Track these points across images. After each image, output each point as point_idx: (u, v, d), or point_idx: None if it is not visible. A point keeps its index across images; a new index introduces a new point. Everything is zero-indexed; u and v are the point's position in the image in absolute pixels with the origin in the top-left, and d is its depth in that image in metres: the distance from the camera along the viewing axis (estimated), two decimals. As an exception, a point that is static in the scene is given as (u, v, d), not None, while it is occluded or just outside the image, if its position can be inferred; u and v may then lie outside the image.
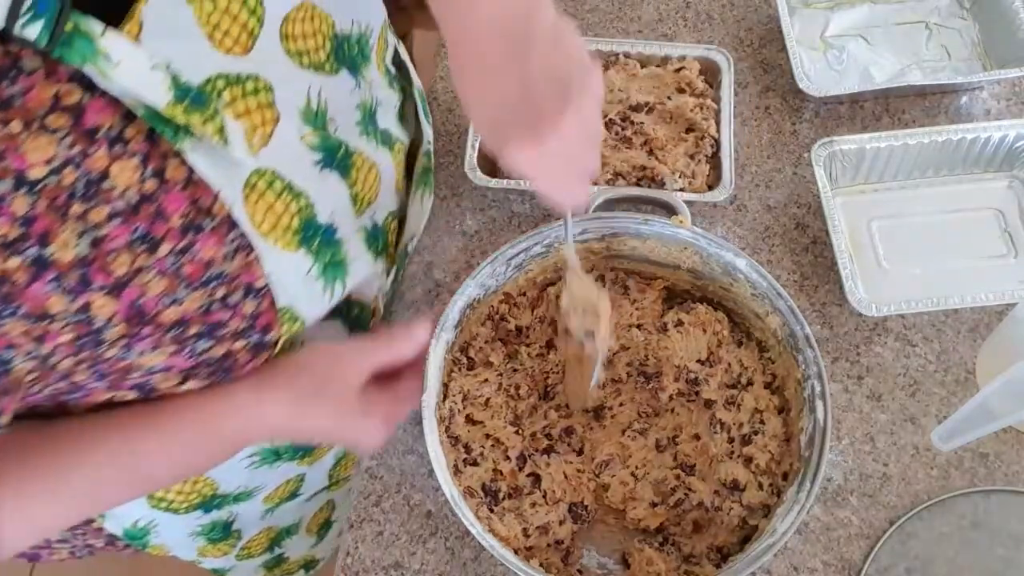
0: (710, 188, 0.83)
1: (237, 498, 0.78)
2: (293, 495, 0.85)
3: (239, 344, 0.57)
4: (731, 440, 0.71)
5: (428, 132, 0.82)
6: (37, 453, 0.56)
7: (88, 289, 0.47)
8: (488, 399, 0.74)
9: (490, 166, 0.86)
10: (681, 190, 0.82)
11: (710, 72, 0.89)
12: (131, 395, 0.57)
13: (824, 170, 0.82)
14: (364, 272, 0.68)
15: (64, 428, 0.57)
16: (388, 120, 0.73)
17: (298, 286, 0.60)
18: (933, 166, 0.85)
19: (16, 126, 0.43)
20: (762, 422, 0.71)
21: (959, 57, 0.93)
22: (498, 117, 0.54)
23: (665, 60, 0.90)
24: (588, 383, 0.72)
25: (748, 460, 0.70)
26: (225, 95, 0.52)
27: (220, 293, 0.54)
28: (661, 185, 0.83)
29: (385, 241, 0.74)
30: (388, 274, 0.76)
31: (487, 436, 0.73)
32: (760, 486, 0.69)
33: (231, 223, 0.53)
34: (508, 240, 0.73)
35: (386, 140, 0.71)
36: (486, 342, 0.75)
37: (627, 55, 0.89)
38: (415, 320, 0.67)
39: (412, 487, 0.76)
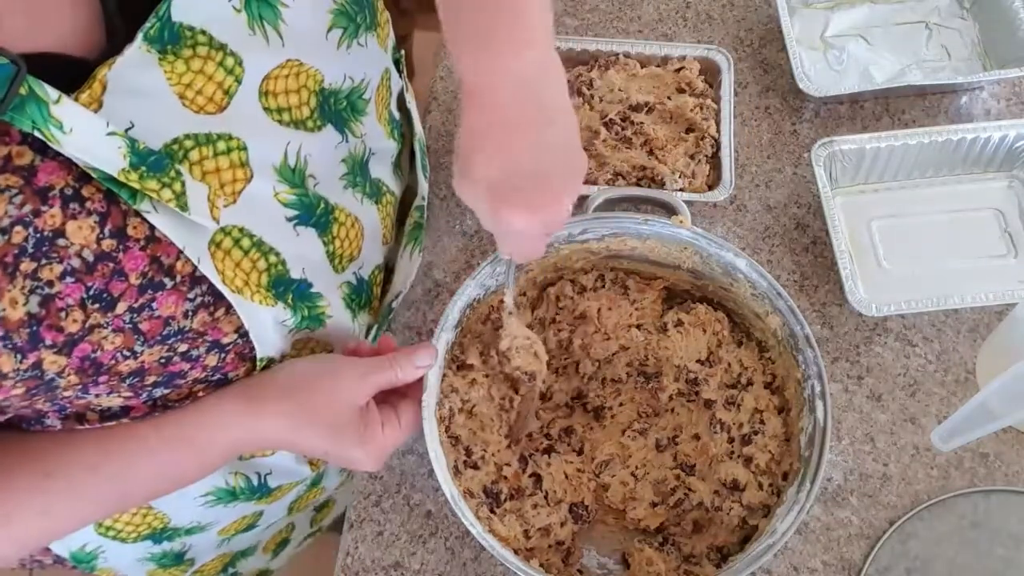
0: (710, 188, 0.83)
1: (190, 531, 0.77)
2: (250, 527, 0.83)
3: (199, 388, 0.57)
4: (731, 440, 0.71)
5: (424, 187, 0.81)
6: (18, 467, 0.55)
7: (38, 347, 0.47)
8: (487, 401, 0.74)
9: None
10: (681, 190, 0.82)
11: (710, 72, 0.89)
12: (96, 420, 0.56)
13: (824, 170, 0.82)
14: (344, 328, 0.68)
15: (46, 441, 0.57)
16: (382, 170, 0.72)
17: (277, 338, 0.59)
18: (933, 166, 0.85)
19: None
20: (762, 422, 0.71)
21: (959, 57, 0.93)
22: (502, 179, 0.53)
23: (665, 60, 0.89)
24: (524, 418, 0.73)
25: (748, 460, 0.70)
26: (192, 155, 0.52)
27: (181, 348, 0.54)
28: (661, 185, 0.82)
29: (370, 295, 0.73)
30: (369, 332, 0.74)
31: (487, 438, 0.73)
32: (760, 486, 0.69)
33: (194, 280, 0.52)
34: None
35: (375, 192, 0.70)
36: (487, 352, 0.75)
37: (627, 55, 0.89)
38: (419, 345, 0.66)
39: (412, 487, 0.76)
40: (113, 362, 0.51)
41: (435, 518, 0.74)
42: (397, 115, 0.75)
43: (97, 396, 0.53)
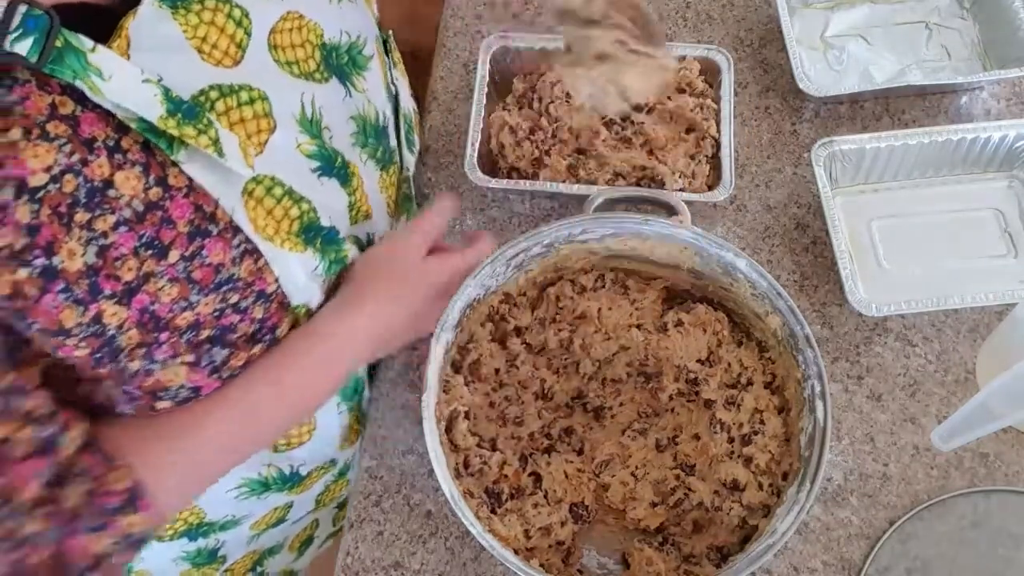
0: (710, 188, 0.83)
1: (224, 526, 0.78)
2: (280, 521, 0.84)
3: (257, 349, 0.58)
4: (731, 440, 0.71)
5: (409, 159, 0.82)
6: (165, 423, 0.57)
7: (98, 298, 0.48)
8: (488, 402, 0.74)
9: (490, 166, 0.86)
10: (681, 190, 0.82)
11: (710, 72, 0.89)
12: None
13: (824, 170, 0.82)
14: None
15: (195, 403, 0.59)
16: (392, 140, 0.74)
17: (308, 284, 0.61)
18: (933, 166, 0.85)
19: (16, 133, 0.43)
20: (762, 422, 0.71)
21: (959, 57, 0.93)
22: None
23: None
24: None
25: (748, 460, 0.70)
26: (219, 105, 0.53)
27: (233, 299, 0.55)
28: (661, 185, 0.82)
29: None
30: None
31: (486, 439, 0.73)
32: (760, 486, 0.69)
33: (235, 228, 0.54)
34: (508, 240, 0.73)
35: (385, 158, 0.72)
36: (487, 352, 0.75)
37: None
38: (439, 198, 0.72)
39: (412, 487, 0.75)
40: (171, 315, 0.52)
41: (435, 518, 0.74)
42: (394, 89, 0.77)
43: (163, 366, 0.53)
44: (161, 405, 0.56)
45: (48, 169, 0.44)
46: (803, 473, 0.66)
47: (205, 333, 0.54)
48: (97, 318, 0.48)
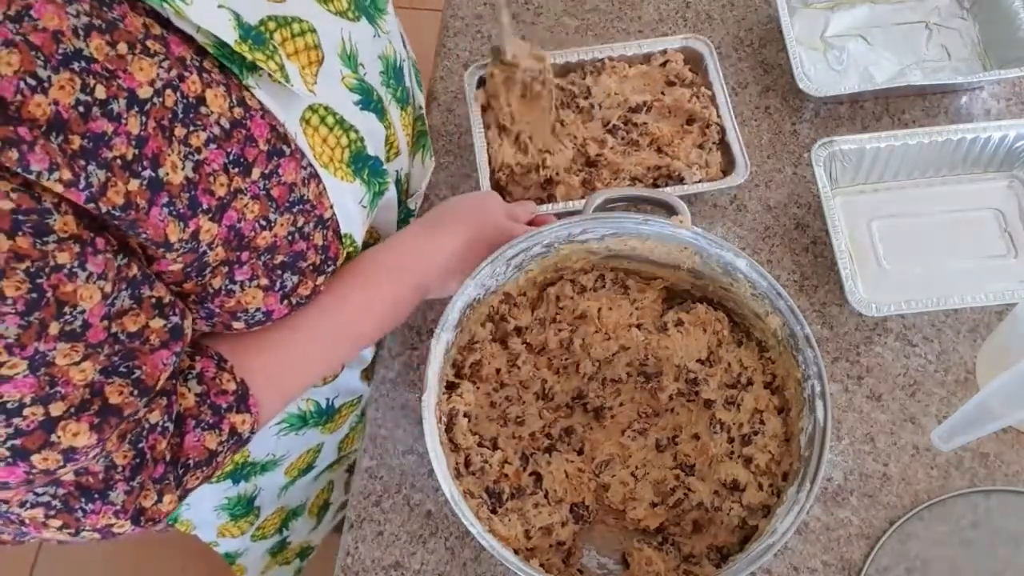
0: (724, 174, 0.84)
1: (264, 467, 0.81)
2: (309, 467, 0.88)
3: (320, 280, 0.61)
4: (731, 440, 0.71)
5: (420, 98, 0.85)
6: (260, 333, 0.61)
7: (197, 212, 0.50)
8: (489, 402, 0.74)
9: (500, 188, 0.86)
10: (699, 181, 0.83)
11: (694, 61, 0.89)
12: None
13: (824, 170, 0.82)
14: (390, 206, 0.72)
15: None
16: (411, 80, 0.78)
17: (355, 214, 0.63)
18: (933, 166, 0.85)
19: (123, 48, 0.45)
20: (762, 422, 0.71)
21: (959, 57, 0.93)
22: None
23: (648, 57, 0.90)
24: (548, 115, 0.83)
25: (748, 460, 0.70)
26: (276, 36, 0.56)
27: (300, 222, 0.57)
28: (680, 180, 0.83)
29: (400, 195, 0.78)
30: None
31: (487, 439, 0.73)
32: (760, 486, 0.69)
33: (301, 151, 0.57)
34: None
35: (404, 98, 0.75)
36: (489, 352, 0.75)
37: (611, 59, 0.90)
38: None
39: (412, 487, 0.76)
40: (252, 233, 0.54)
41: (435, 518, 0.74)
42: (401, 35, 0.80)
43: (242, 288, 0.56)
44: (237, 326, 0.59)
45: (152, 83, 0.46)
46: (803, 473, 0.66)
47: (279, 258, 0.57)
48: (195, 234, 0.50)
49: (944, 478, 0.74)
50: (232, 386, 0.58)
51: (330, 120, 0.60)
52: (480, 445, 0.71)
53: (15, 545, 0.69)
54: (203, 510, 0.81)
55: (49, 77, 0.41)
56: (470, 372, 0.74)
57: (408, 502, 0.75)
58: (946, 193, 0.86)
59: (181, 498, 0.56)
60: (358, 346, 0.71)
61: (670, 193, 0.79)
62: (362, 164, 0.63)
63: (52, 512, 0.51)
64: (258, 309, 0.58)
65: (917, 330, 0.80)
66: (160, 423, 0.53)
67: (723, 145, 0.85)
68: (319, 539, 1.06)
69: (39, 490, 0.50)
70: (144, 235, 0.48)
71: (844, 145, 0.82)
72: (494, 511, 0.69)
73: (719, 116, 0.85)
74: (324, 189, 0.59)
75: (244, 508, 0.85)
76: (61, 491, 0.50)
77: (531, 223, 0.78)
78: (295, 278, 0.59)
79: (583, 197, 0.83)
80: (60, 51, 0.42)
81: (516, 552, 0.66)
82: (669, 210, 0.76)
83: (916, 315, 0.80)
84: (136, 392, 0.50)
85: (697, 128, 0.86)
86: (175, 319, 0.52)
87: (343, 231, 0.62)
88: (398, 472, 0.76)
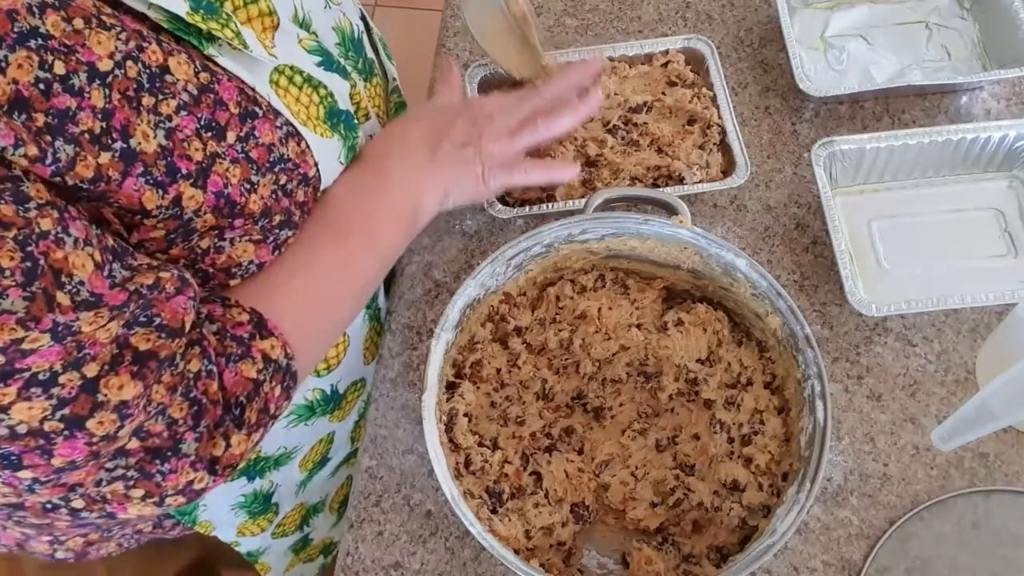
0: (725, 175, 0.84)
1: (278, 461, 0.81)
2: (324, 460, 0.88)
3: None
4: (731, 440, 0.71)
5: (392, 70, 0.85)
6: (263, 277, 0.61)
7: (176, 179, 0.50)
8: (489, 402, 0.74)
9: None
10: (699, 182, 0.83)
11: (696, 62, 0.89)
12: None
13: (824, 170, 0.82)
14: None
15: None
16: (370, 51, 0.78)
17: (334, 171, 0.64)
18: (933, 166, 0.85)
19: (79, 23, 0.46)
20: (762, 422, 0.71)
21: (959, 57, 0.93)
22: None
23: (649, 57, 0.90)
24: (530, 39, 0.79)
25: (748, 460, 0.70)
26: (227, 5, 0.56)
27: (283, 180, 0.58)
28: (680, 181, 0.83)
29: None
30: None
31: (487, 439, 0.73)
32: (760, 486, 0.69)
33: (275, 111, 0.57)
34: (508, 240, 0.73)
35: (366, 70, 0.75)
36: (489, 352, 0.75)
37: (612, 59, 0.90)
38: None
39: (412, 487, 0.76)
40: (243, 199, 0.54)
41: (435, 518, 0.74)
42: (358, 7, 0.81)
43: (231, 244, 0.56)
44: (233, 283, 0.59)
45: (111, 55, 0.47)
46: (803, 473, 0.66)
47: (277, 218, 0.58)
48: (176, 200, 0.51)
49: (944, 478, 0.74)
50: (244, 316, 0.58)
51: (298, 79, 0.61)
52: (480, 445, 0.71)
53: (104, 540, 0.69)
54: (221, 510, 0.81)
55: (5, 56, 0.42)
56: (470, 372, 0.74)
57: (408, 502, 0.75)
58: (946, 193, 0.86)
59: (249, 436, 0.56)
60: (365, 287, 0.70)
61: (670, 193, 0.79)
62: (337, 119, 0.64)
63: (131, 482, 0.51)
64: (251, 261, 0.59)
65: (917, 330, 0.80)
66: (203, 368, 0.54)
67: (723, 146, 0.85)
68: (341, 535, 1.07)
69: (109, 465, 0.51)
70: (116, 204, 0.48)
71: (844, 145, 0.82)
72: (494, 511, 0.69)
73: (720, 117, 0.85)
74: (308, 147, 0.59)
75: (262, 505, 0.85)
76: (132, 460, 0.51)
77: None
78: (288, 232, 0.60)
79: (583, 196, 0.83)
80: (15, 30, 0.42)
81: (516, 552, 0.66)
82: (669, 210, 0.76)
83: (916, 315, 0.80)
84: (163, 335, 0.50)
85: (698, 129, 0.86)
86: (177, 270, 0.53)
87: (323, 187, 0.63)
88: (398, 472, 0.76)
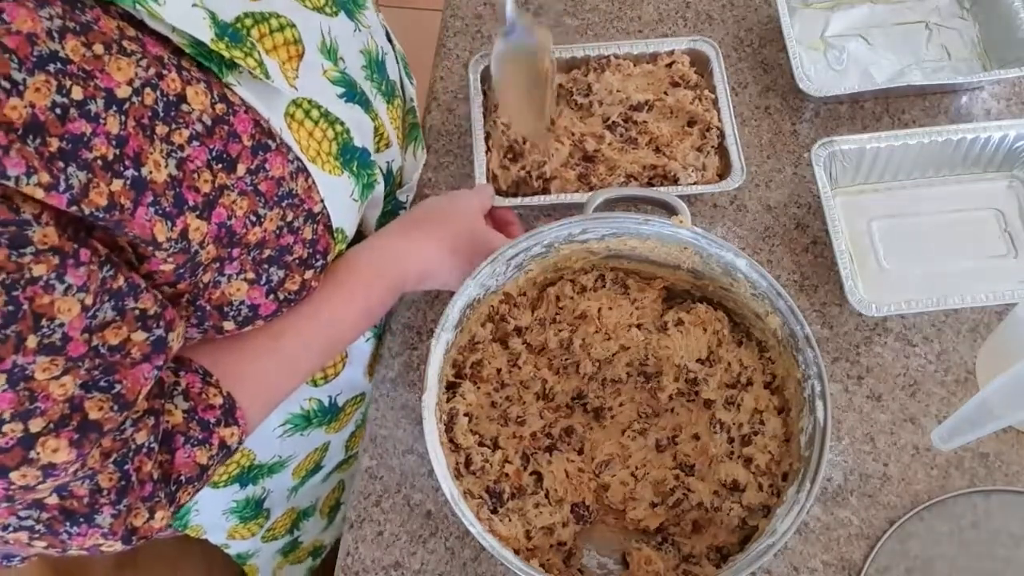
0: (720, 178, 0.84)
1: (271, 468, 0.81)
2: (317, 467, 0.88)
3: (309, 274, 0.61)
4: (731, 440, 0.71)
5: (411, 91, 0.86)
6: (242, 339, 0.61)
7: (184, 210, 0.50)
8: (490, 402, 0.74)
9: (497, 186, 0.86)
10: (694, 183, 0.82)
11: (700, 63, 0.89)
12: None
13: (824, 170, 0.82)
14: (377, 202, 0.73)
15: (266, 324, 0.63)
16: (394, 73, 0.78)
17: (347, 208, 0.64)
18: (933, 166, 0.85)
19: (99, 48, 0.45)
20: (762, 422, 0.71)
21: (959, 57, 0.93)
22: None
23: (655, 57, 0.90)
24: (544, 105, 0.78)
25: (748, 460, 0.70)
26: (253, 32, 0.56)
27: (289, 216, 0.58)
28: (675, 181, 0.83)
29: (391, 186, 0.79)
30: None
31: (488, 438, 0.73)
32: (760, 486, 0.69)
33: (287, 146, 0.57)
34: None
35: (389, 92, 0.75)
36: (490, 352, 0.75)
37: (616, 56, 0.90)
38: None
39: (412, 487, 0.76)
40: (244, 230, 0.54)
41: (435, 518, 0.74)
42: (383, 26, 0.81)
43: (228, 280, 0.56)
44: (227, 326, 0.59)
45: (130, 82, 0.47)
46: (803, 473, 0.66)
47: (267, 252, 0.57)
48: (184, 233, 0.50)
49: (944, 478, 0.74)
50: (219, 400, 0.58)
51: (315, 114, 0.60)
52: (480, 445, 0.71)
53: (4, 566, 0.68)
54: (212, 514, 0.81)
55: (24, 79, 0.41)
56: (471, 372, 0.74)
57: (408, 502, 0.75)
58: (946, 193, 0.86)
59: (174, 513, 0.55)
60: (336, 350, 0.74)
61: (670, 193, 0.79)
62: (350, 156, 0.64)
63: (36, 535, 0.50)
64: (242, 302, 0.58)
65: (917, 330, 0.80)
66: (146, 443, 0.53)
67: (721, 149, 0.85)
68: (331, 538, 1.07)
69: (22, 513, 0.50)
70: (131, 234, 0.48)
71: (844, 145, 0.82)
72: (494, 511, 0.69)
73: (720, 120, 0.85)
74: (313, 183, 0.59)
75: (253, 511, 0.85)
76: (45, 515, 0.50)
77: (492, 217, 0.80)
78: (280, 272, 0.59)
79: (578, 191, 0.83)
80: (35, 53, 0.42)
81: (516, 552, 0.66)
82: (669, 210, 0.76)
83: (916, 315, 0.80)
84: (116, 407, 0.49)
85: (697, 131, 0.86)
86: (159, 332, 0.51)
87: (335, 225, 0.62)
88: (398, 472, 0.76)
